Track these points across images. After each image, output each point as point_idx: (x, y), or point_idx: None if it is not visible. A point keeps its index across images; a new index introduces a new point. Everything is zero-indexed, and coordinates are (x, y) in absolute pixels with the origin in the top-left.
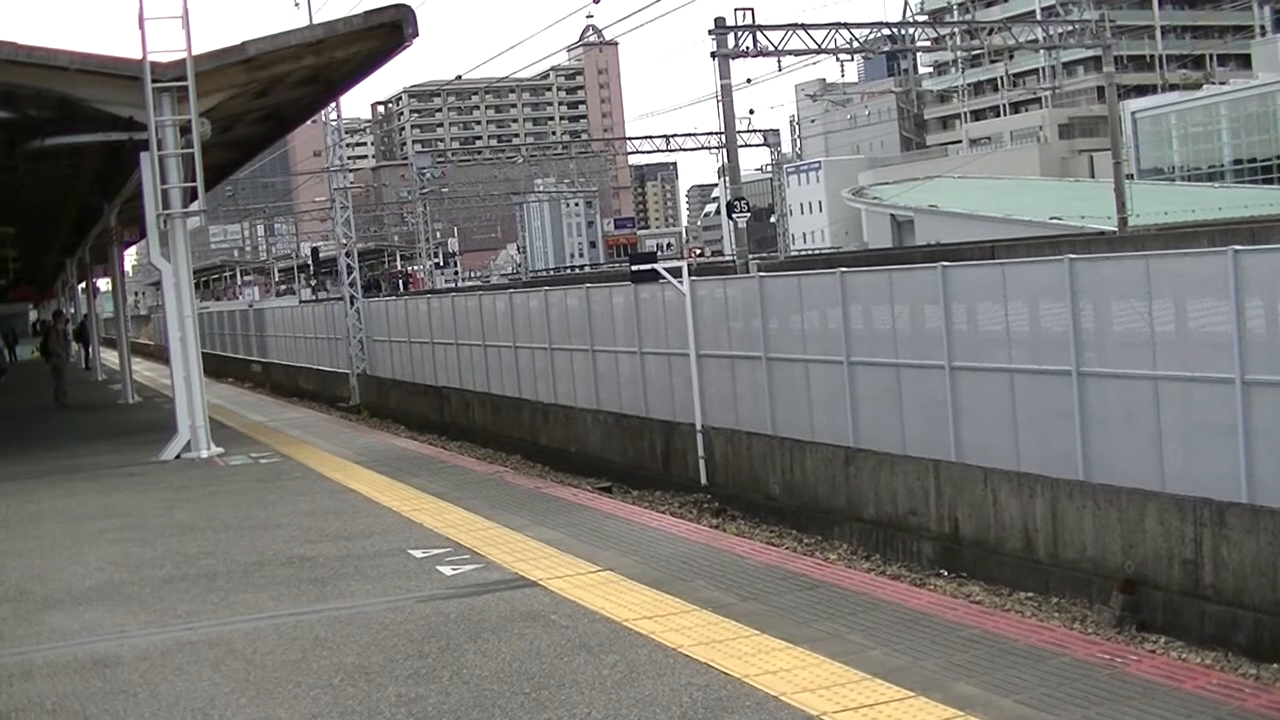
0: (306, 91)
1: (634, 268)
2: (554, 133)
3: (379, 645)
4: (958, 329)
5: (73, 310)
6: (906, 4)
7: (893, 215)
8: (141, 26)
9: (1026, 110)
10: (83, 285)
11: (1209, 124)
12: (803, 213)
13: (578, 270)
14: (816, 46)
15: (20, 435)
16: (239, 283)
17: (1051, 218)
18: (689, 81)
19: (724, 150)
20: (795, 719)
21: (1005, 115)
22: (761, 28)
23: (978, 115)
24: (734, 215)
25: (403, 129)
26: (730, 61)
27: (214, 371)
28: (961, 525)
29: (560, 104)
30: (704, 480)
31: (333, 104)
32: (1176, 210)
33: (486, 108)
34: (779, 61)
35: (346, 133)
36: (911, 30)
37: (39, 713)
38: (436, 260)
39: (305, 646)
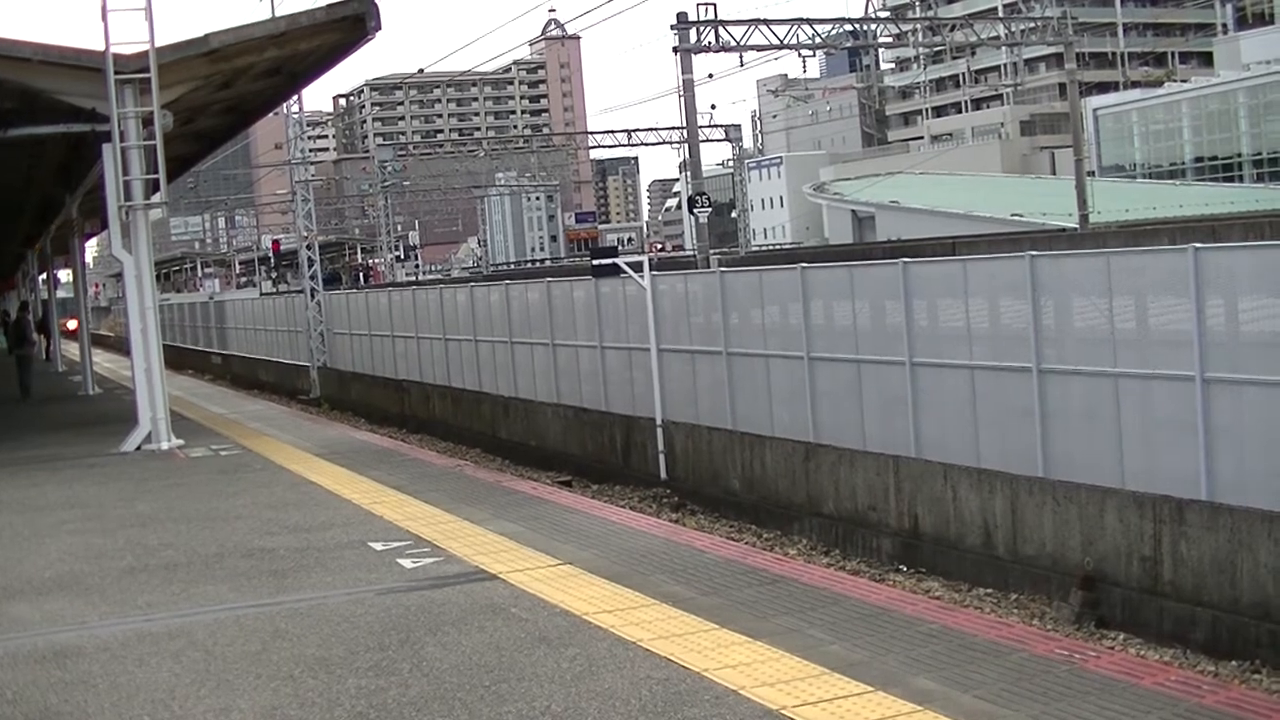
0: (269, 84)
1: (595, 262)
2: (515, 127)
3: (339, 637)
4: (919, 325)
5: (31, 298)
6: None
7: (854, 211)
8: (104, 18)
9: (988, 107)
10: (44, 276)
11: (1170, 122)
12: (764, 208)
13: (538, 264)
14: (779, 42)
15: None
16: (200, 275)
17: (1013, 214)
18: (651, 76)
19: (685, 145)
20: (755, 713)
21: (967, 111)
22: (724, 23)
23: (939, 111)
24: (695, 210)
25: (364, 122)
26: (692, 56)
27: (174, 363)
28: (921, 521)
29: (522, 98)
30: (664, 475)
31: (295, 97)
32: (1138, 207)
33: (448, 101)
34: (741, 57)
35: (308, 125)
36: (874, 26)
37: None
38: (397, 253)
39: (265, 638)
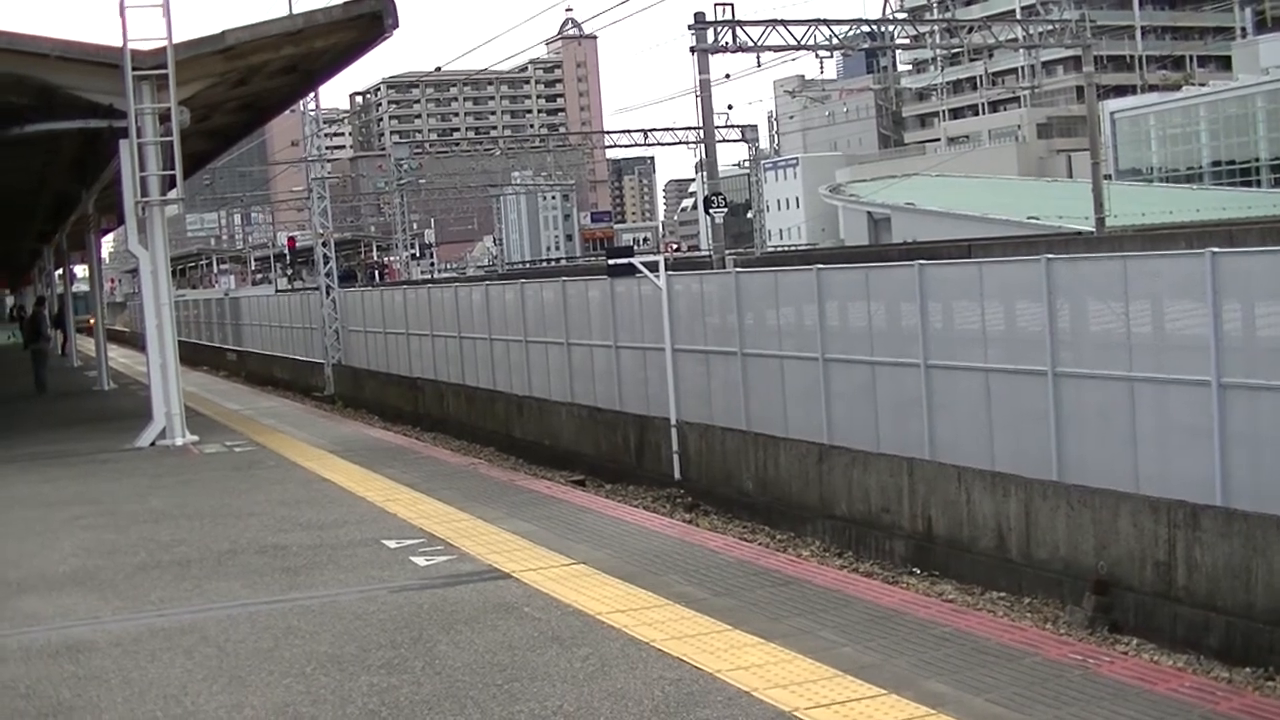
0: (285, 81)
1: (610, 261)
2: (532, 126)
3: (352, 635)
4: (934, 327)
5: (48, 293)
6: (886, 1)
7: (869, 213)
8: (122, 14)
9: (1005, 109)
10: (59, 271)
11: (1188, 125)
12: (779, 209)
13: (554, 263)
14: (796, 42)
15: None
16: (215, 271)
17: (1029, 217)
18: (667, 76)
19: (702, 145)
20: (766, 715)
21: (984, 114)
22: (741, 23)
23: (956, 114)
24: (711, 210)
25: (381, 120)
26: (709, 57)
27: (189, 359)
28: (934, 524)
29: (538, 97)
30: (677, 475)
31: (311, 94)
32: (1154, 211)
33: (465, 100)
34: (758, 57)
35: (324, 123)
36: (891, 27)
37: (12, 696)
38: (413, 251)
39: (278, 635)
